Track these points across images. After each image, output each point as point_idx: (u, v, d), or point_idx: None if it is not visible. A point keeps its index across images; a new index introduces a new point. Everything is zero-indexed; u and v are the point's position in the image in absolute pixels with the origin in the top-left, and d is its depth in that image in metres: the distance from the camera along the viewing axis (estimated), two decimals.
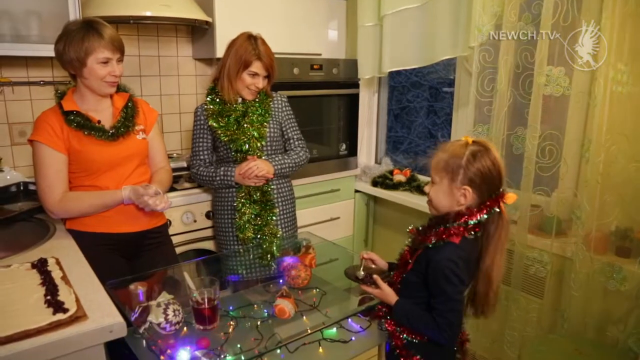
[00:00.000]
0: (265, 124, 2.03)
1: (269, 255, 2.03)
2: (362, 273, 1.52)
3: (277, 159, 2.06)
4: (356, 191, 2.98)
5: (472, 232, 1.30)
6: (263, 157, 2.03)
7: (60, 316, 1.09)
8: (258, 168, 1.97)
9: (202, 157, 2.11)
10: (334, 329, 1.50)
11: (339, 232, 2.92)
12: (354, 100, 2.87)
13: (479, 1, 2.04)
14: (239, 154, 2.02)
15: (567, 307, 1.93)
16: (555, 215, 1.97)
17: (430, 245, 1.31)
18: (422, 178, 2.83)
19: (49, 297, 1.17)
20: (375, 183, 2.87)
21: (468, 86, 2.28)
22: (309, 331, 1.39)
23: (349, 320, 1.54)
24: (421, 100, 3.06)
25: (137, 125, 1.76)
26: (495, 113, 2.09)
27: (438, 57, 2.34)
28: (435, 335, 1.32)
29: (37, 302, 1.17)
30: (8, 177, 2.07)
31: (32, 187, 1.95)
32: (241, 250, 2.07)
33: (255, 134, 2.00)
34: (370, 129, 3.14)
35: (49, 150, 1.60)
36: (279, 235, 2.05)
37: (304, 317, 1.52)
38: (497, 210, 1.30)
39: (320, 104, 2.76)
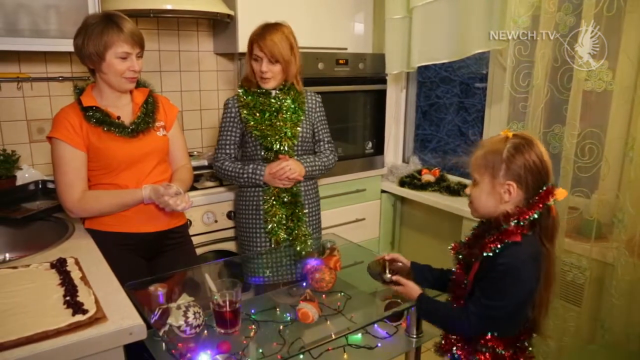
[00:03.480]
0: (298, 122, 1.98)
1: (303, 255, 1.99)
2: (389, 275, 1.48)
3: (309, 160, 2.02)
4: (382, 191, 2.92)
5: (531, 229, 1.25)
6: (294, 157, 1.99)
7: (79, 317, 1.09)
8: (290, 170, 1.93)
9: (228, 151, 2.06)
10: (359, 335, 1.49)
11: (365, 234, 2.87)
12: (381, 97, 2.81)
13: None
14: (269, 152, 1.97)
15: (607, 316, 1.85)
16: (595, 219, 1.89)
17: (492, 254, 1.24)
18: (451, 178, 2.76)
19: (68, 298, 1.17)
20: (402, 183, 2.81)
21: (502, 81, 2.22)
22: (334, 336, 1.37)
23: (375, 325, 1.52)
24: (451, 97, 2.98)
25: (158, 122, 1.74)
26: (530, 110, 2.02)
27: (470, 50, 2.28)
28: (457, 323, 1.28)
29: (56, 302, 1.16)
30: (26, 175, 2.10)
31: (50, 186, 1.96)
32: (264, 251, 2.04)
33: (289, 132, 1.95)
34: (397, 127, 3.09)
35: (68, 148, 1.58)
36: (309, 235, 2.02)
37: (328, 321, 1.48)
38: (548, 205, 1.23)
39: (345, 101, 2.70)
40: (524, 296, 1.23)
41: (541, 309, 1.29)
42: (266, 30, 1.92)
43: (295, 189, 2.00)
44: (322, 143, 2.11)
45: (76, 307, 1.12)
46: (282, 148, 1.95)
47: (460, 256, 1.36)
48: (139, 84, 1.74)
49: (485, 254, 1.25)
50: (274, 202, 1.98)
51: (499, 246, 1.23)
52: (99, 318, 1.10)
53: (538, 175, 1.22)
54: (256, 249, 2.07)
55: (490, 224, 1.29)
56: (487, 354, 1.30)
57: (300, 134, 2.00)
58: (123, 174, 1.65)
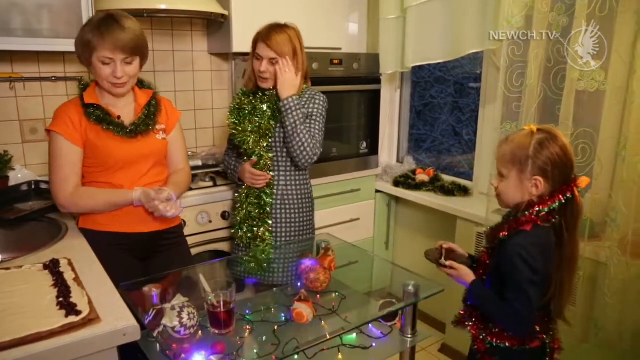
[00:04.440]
0: (272, 121, 1.92)
1: (252, 264, 1.98)
2: (444, 260, 1.51)
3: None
4: (377, 191, 2.92)
5: (547, 220, 1.30)
6: (271, 155, 1.95)
7: (72, 318, 1.08)
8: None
9: (231, 146, 2.13)
10: (354, 335, 1.48)
11: (359, 234, 2.87)
12: (375, 97, 2.82)
13: None
14: (242, 149, 1.98)
15: (600, 315, 1.85)
16: (589, 218, 1.90)
17: (502, 237, 1.32)
18: (445, 178, 2.76)
19: (61, 299, 1.16)
20: (396, 183, 2.81)
21: (496, 81, 2.23)
22: (328, 336, 1.37)
23: (370, 325, 1.52)
24: (445, 97, 2.99)
25: (158, 125, 1.73)
26: (524, 109, 2.02)
27: (464, 51, 2.29)
28: (506, 323, 1.34)
29: (50, 303, 1.16)
30: (19, 175, 2.09)
31: (43, 186, 1.96)
32: (253, 251, 2.03)
33: (255, 130, 1.91)
34: (392, 127, 3.09)
35: (65, 142, 1.59)
36: (267, 242, 1.99)
37: (323, 322, 1.48)
38: (570, 196, 1.29)
39: (340, 101, 2.70)
40: (529, 284, 1.27)
41: (562, 294, 1.34)
42: (271, 31, 1.91)
43: (269, 191, 1.96)
44: None
45: (69, 308, 1.12)
46: (246, 146, 1.93)
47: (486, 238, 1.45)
48: (144, 85, 1.73)
49: (499, 239, 1.33)
50: (243, 199, 1.99)
51: (510, 232, 1.30)
52: (92, 319, 1.09)
53: (564, 168, 1.29)
54: (237, 248, 2.07)
55: (515, 209, 1.35)
56: (495, 330, 1.36)
57: (277, 133, 1.95)
58: (118, 173, 1.65)
